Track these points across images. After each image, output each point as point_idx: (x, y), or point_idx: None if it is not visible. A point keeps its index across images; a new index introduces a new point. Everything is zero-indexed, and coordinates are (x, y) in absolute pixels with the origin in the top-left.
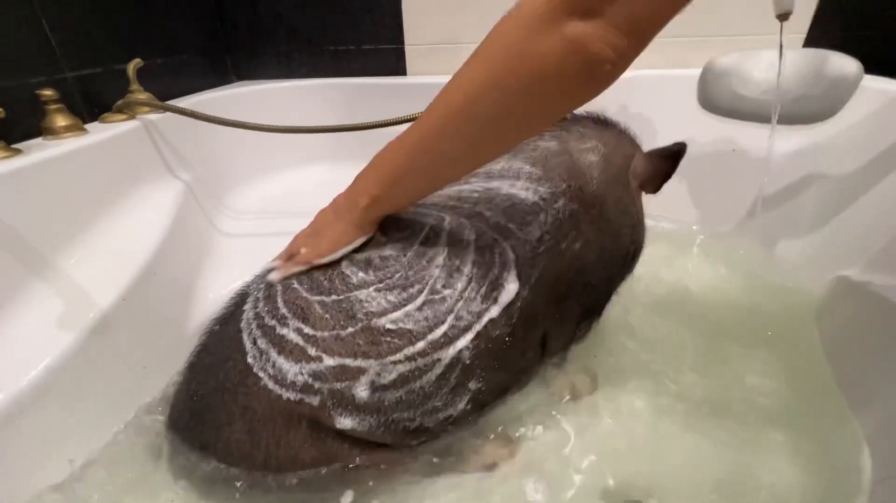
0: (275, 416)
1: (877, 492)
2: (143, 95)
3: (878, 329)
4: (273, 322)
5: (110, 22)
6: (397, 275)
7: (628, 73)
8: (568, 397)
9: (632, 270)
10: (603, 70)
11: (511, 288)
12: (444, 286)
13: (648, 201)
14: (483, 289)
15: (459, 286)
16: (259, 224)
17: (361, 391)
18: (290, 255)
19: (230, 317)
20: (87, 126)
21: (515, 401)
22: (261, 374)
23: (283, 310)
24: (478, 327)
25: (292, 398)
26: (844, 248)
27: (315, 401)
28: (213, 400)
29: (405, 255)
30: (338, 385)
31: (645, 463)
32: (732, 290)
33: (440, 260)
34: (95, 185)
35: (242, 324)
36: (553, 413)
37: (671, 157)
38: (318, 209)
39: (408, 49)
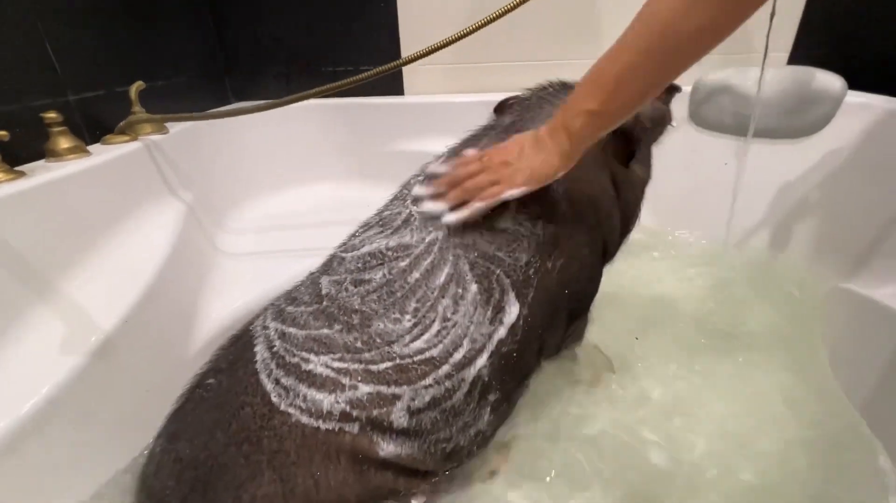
0: (311, 454)
1: None
2: (144, 116)
3: (880, 337)
4: (296, 360)
5: (112, 45)
6: (408, 305)
7: None
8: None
9: (618, 250)
10: None
11: (513, 310)
12: (453, 313)
13: (651, 215)
14: (489, 313)
15: (468, 312)
16: (260, 243)
17: (400, 416)
18: (459, 192)
19: (233, 365)
20: (89, 148)
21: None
22: (290, 411)
23: (306, 347)
24: (490, 347)
25: (331, 428)
26: (843, 258)
27: (355, 428)
28: (227, 457)
29: (408, 286)
30: (375, 412)
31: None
32: (736, 300)
33: (443, 289)
34: (98, 206)
35: (258, 366)
36: (544, 418)
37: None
38: (322, 224)
39: (405, 69)
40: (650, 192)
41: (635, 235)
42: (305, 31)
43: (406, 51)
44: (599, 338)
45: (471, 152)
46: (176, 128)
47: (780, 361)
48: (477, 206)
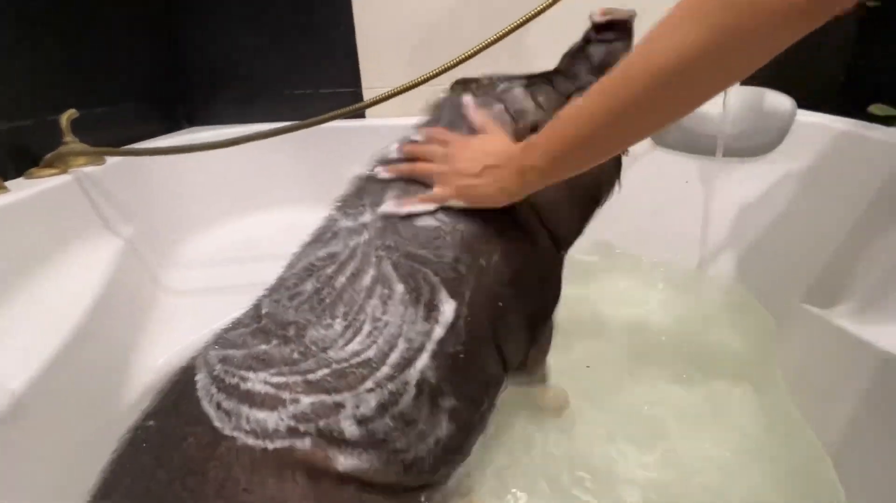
0: (264, 479)
1: None
2: (78, 147)
3: (835, 357)
4: (235, 380)
5: (42, 70)
6: (337, 310)
7: None
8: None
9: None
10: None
11: (447, 308)
12: (382, 313)
13: (609, 234)
14: (421, 312)
15: (397, 311)
16: (210, 278)
17: (349, 425)
18: (409, 168)
19: (175, 398)
20: (8, 183)
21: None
22: (235, 434)
23: (245, 365)
24: (431, 346)
25: (280, 446)
26: (801, 280)
27: (306, 443)
28: (171, 496)
29: (335, 291)
30: (322, 423)
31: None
32: (695, 323)
33: (369, 291)
34: (13, 250)
35: (200, 393)
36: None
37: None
38: (279, 255)
39: (365, 92)
40: (614, 214)
41: (594, 258)
42: (263, 53)
43: (365, 73)
44: (561, 365)
45: (441, 132)
46: (114, 156)
47: (744, 389)
48: (416, 208)
